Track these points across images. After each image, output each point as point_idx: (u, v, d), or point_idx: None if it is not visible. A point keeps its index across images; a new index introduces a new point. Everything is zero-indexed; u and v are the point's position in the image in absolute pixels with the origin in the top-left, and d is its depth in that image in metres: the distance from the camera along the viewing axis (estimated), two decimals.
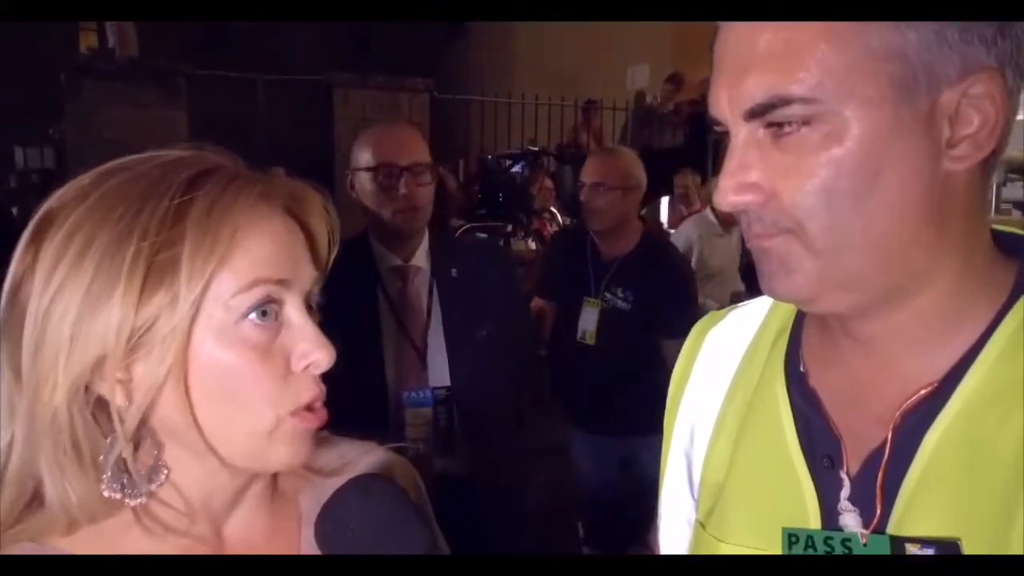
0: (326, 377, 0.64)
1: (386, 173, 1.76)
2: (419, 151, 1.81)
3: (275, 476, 0.69)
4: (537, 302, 2.89)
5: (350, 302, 1.74)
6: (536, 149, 6.35)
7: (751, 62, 0.55)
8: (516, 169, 5.19)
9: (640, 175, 2.56)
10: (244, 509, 0.66)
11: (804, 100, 0.53)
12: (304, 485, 0.71)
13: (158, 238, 0.55)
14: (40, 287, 0.56)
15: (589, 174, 2.57)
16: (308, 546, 0.68)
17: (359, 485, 0.62)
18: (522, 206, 4.99)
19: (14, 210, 6.93)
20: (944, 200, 0.55)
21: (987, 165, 0.57)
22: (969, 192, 0.57)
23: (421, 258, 1.85)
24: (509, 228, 4.84)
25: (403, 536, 0.59)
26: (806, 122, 0.54)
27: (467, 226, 4.71)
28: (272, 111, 6.67)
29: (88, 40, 7.04)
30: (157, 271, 0.55)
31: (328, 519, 0.60)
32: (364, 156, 1.80)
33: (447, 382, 1.80)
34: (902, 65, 0.52)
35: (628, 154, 2.73)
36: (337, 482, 0.65)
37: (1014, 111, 0.56)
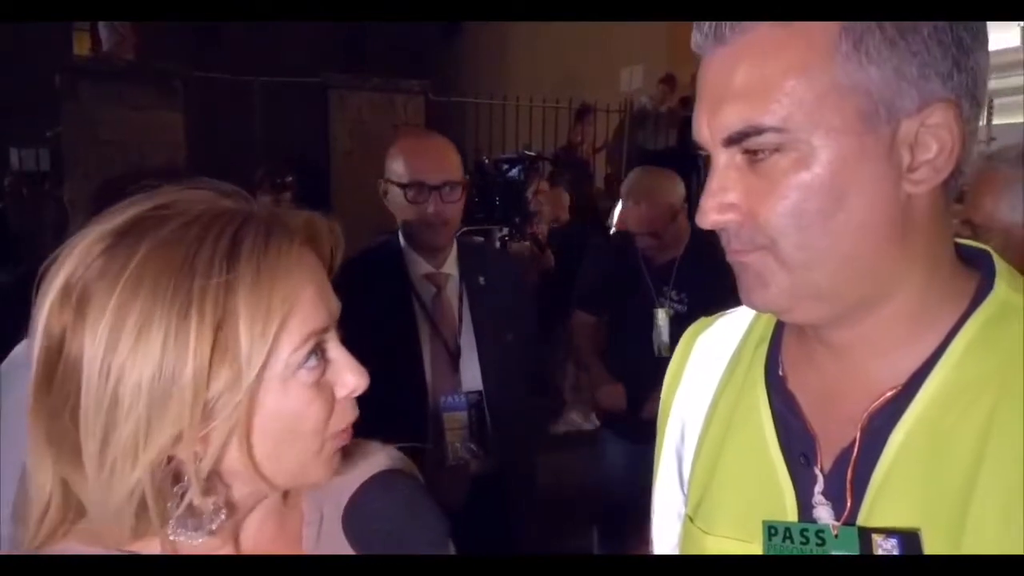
0: (371, 385, 0.69)
1: (417, 190, 1.80)
2: (450, 168, 1.84)
3: None
4: (579, 316, 2.78)
5: (389, 308, 1.81)
6: (532, 153, 6.41)
7: (728, 93, 0.60)
8: (512, 173, 5.23)
9: (668, 189, 2.55)
10: (257, 514, 0.71)
11: (776, 129, 0.58)
12: (304, 489, 0.76)
13: (215, 314, 0.58)
14: (96, 372, 0.58)
15: (628, 191, 2.61)
16: (310, 545, 0.74)
17: (381, 480, 0.67)
18: (518, 209, 5.04)
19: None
20: (906, 219, 0.60)
21: (947, 187, 0.62)
22: (930, 211, 0.62)
23: (451, 265, 1.91)
24: (505, 232, 4.88)
25: (424, 524, 0.65)
26: (778, 149, 0.59)
27: (463, 229, 4.74)
28: (268, 113, 6.70)
29: (82, 41, 7.05)
30: (220, 347, 0.59)
31: (354, 513, 0.66)
32: (397, 169, 1.84)
33: (478, 386, 1.86)
34: (865, 98, 0.57)
35: (653, 173, 2.71)
36: (339, 482, 0.70)
37: (971, 137, 0.62)
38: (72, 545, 0.65)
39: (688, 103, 7.44)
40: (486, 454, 1.84)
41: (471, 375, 1.86)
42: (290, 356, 0.62)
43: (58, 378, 0.60)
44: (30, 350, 0.62)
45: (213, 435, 0.61)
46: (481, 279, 1.92)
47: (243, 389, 0.59)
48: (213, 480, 0.64)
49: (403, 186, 1.82)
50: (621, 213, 2.64)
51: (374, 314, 1.74)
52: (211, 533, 0.64)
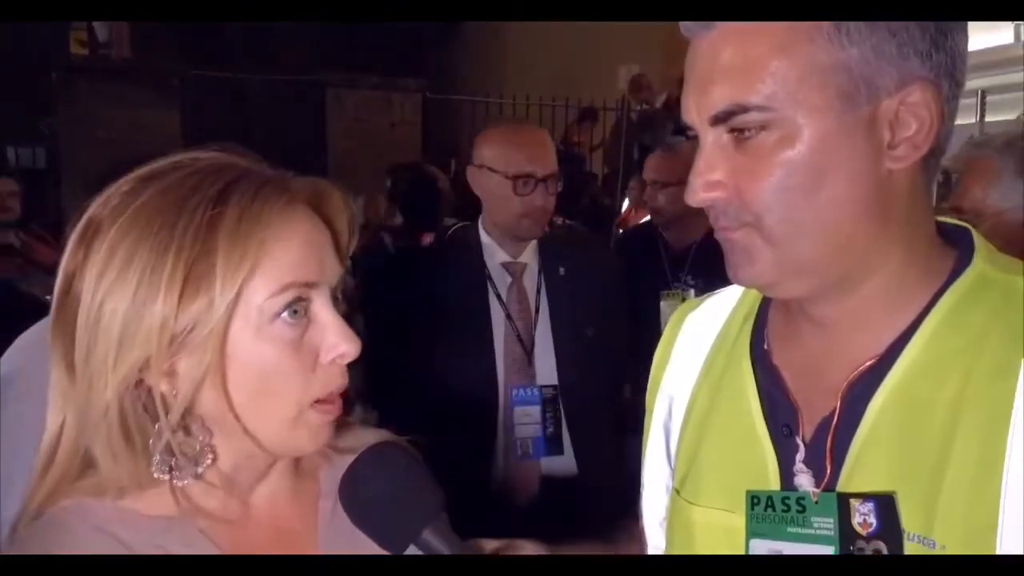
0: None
1: (524, 182, 1.80)
2: (553, 161, 1.85)
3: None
4: None
5: (464, 295, 1.80)
6: None
7: (715, 74, 0.62)
8: None
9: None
10: (269, 483, 0.73)
11: (760, 108, 0.60)
12: (323, 462, 0.78)
13: (193, 250, 0.62)
14: (90, 292, 0.63)
15: (649, 172, 2.65)
16: (325, 517, 0.75)
17: (376, 451, 0.69)
18: None
19: None
20: (887, 195, 0.63)
21: (927, 164, 0.64)
22: (910, 188, 0.64)
23: (529, 255, 1.89)
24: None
25: (417, 494, 0.66)
26: (763, 127, 0.61)
27: (459, 224, 4.76)
28: (265, 111, 6.71)
29: (79, 38, 7.05)
30: (194, 280, 0.62)
31: (351, 483, 0.68)
32: (502, 159, 1.83)
33: (553, 380, 1.83)
34: (846, 77, 0.59)
35: (685, 148, 2.71)
36: (350, 459, 0.71)
37: (951, 116, 0.64)
38: (82, 501, 0.67)
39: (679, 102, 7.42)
40: (560, 453, 1.82)
41: (547, 368, 1.83)
42: (265, 302, 0.64)
43: (68, 302, 0.65)
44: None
45: (183, 369, 0.63)
46: (561, 270, 1.89)
47: (211, 322, 0.62)
48: (194, 423, 0.66)
49: (512, 177, 1.80)
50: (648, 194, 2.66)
51: (449, 300, 1.78)
52: (197, 477, 0.66)
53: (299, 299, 0.66)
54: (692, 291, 2.49)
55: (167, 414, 0.64)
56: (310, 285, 0.66)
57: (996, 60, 4.34)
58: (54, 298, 0.66)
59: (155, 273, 0.61)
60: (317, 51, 7.59)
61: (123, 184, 0.66)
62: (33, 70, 6.34)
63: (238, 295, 0.63)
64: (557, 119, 7.46)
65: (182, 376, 0.64)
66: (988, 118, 4.52)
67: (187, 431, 0.66)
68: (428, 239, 3.35)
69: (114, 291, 0.62)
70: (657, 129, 7.42)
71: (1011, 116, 4.32)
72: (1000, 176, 1.38)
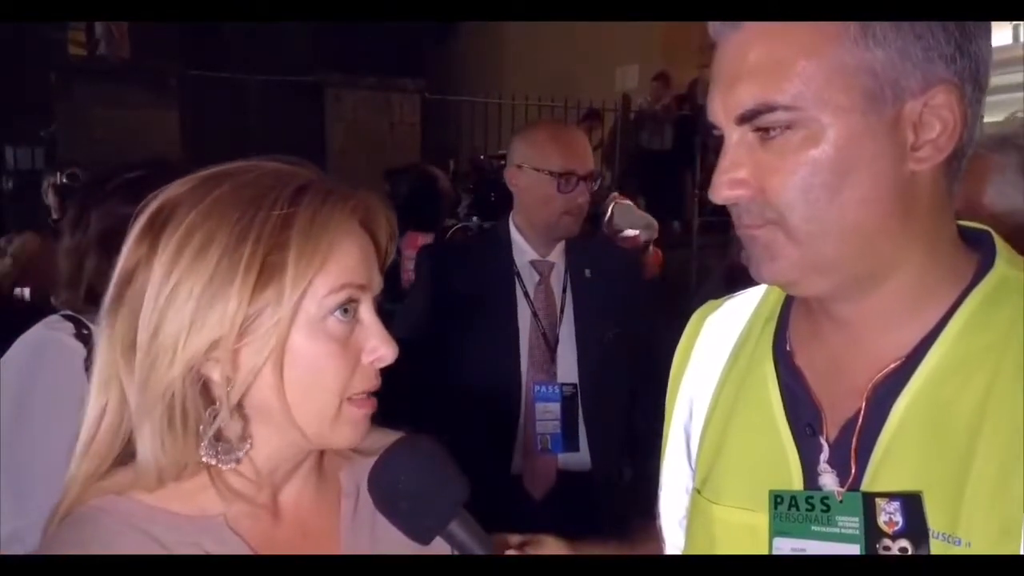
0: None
1: (567, 179, 1.83)
2: (592, 159, 1.91)
3: (321, 454, 0.78)
4: None
5: (492, 291, 1.85)
6: None
7: (742, 73, 0.63)
8: None
9: None
10: (296, 481, 0.75)
11: (786, 107, 0.61)
12: (344, 463, 0.80)
13: (269, 241, 0.65)
14: (161, 275, 0.65)
15: None
16: (347, 515, 0.78)
17: (403, 442, 0.71)
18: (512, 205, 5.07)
19: None
20: (909, 195, 0.63)
21: (950, 166, 0.65)
22: (933, 189, 0.64)
23: (557, 254, 1.93)
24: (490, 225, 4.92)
25: (444, 485, 0.68)
26: (788, 126, 0.61)
27: (459, 225, 4.78)
28: (264, 111, 6.70)
29: (77, 39, 7.03)
30: (267, 271, 0.65)
31: (380, 473, 0.69)
32: (545, 158, 1.85)
33: (573, 379, 1.86)
34: (871, 79, 0.60)
35: None
36: (372, 460, 0.73)
37: (974, 119, 0.64)
38: (111, 499, 0.68)
39: (683, 102, 7.46)
40: (577, 449, 1.85)
41: (568, 367, 1.87)
42: (324, 298, 0.67)
43: (132, 284, 0.67)
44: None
45: (243, 356, 0.65)
46: (587, 271, 1.93)
47: (279, 312, 0.65)
48: (242, 413, 0.68)
49: (555, 175, 1.83)
50: None
51: (477, 295, 1.83)
52: (237, 461, 0.69)
53: (351, 300, 0.69)
54: None
55: (224, 401, 0.66)
56: (362, 287, 0.70)
57: (994, 60, 4.35)
58: (113, 282, 0.68)
59: (232, 259, 0.64)
60: (316, 52, 7.59)
61: (188, 181, 0.69)
62: (31, 71, 6.33)
63: (306, 289, 0.66)
64: (555, 119, 7.46)
65: (242, 362, 0.66)
66: (987, 118, 4.53)
67: (237, 417, 0.68)
68: (420, 239, 3.38)
69: (191, 272, 0.64)
70: (656, 132, 7.43)
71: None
72: (1002, 173, 1.31)
